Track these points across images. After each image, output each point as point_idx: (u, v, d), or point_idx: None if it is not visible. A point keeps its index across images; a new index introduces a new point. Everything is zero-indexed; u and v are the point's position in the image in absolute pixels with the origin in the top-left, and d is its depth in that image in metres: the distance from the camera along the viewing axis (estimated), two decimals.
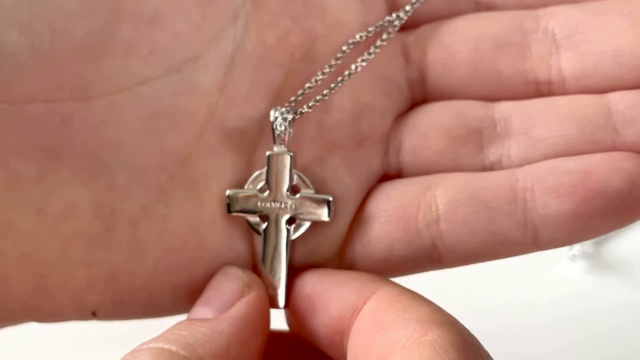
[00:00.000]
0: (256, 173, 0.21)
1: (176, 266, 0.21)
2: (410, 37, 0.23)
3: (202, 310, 0.20)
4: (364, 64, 0.22)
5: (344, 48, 0.22)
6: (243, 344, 0.20)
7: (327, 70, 0.22)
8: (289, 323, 0.22)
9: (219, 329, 0.20)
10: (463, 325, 0.19)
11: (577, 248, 0.36)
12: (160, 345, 0.19)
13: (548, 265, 0.36)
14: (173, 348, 0.19)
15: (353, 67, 0.22)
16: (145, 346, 0.19)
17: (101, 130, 0.20)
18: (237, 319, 0.20)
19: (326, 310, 0.20)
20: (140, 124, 0.21)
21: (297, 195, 0.21)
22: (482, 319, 0.32)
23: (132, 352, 0.19)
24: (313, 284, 0.21)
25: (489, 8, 0.23)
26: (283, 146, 0.21)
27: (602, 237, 0.33)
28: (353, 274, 0.21)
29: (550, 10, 0.22)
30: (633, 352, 0.33)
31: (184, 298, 0.21)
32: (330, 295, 0.20)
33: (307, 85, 0.22)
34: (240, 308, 0.20)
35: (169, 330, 0.20)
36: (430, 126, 0.22)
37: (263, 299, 0.21)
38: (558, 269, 0.36)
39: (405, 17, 0.22)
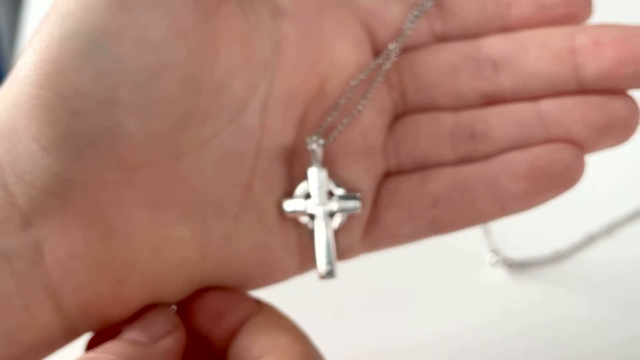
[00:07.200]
0: (301, 185, 0.28)
1: (251, 270, 0.28)
2: (390, 69, 0.30)
3: (139, 334, 0.26)
4: (366, 99, 0.29)
5: (352, 84, 0.29)
6: None
7: (342, 103, 0.29)
8: (194, 325, 0.28)
9: (154, 354, 0.25)
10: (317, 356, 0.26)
11: (497, 257, 0.39)
12: (113, 358, 0.24)
13: (470, 272, 0.39)
14: None
15: (363, 101, 0.29)
16: (94, 355, 0.24)
17: (191, 180, 0.26)
18: (167, 350, 0.26)
19: (225, 319, 0.27)
20: (215, 169, 0.27)
21: (334, 196, 0.29)
22: (408, 328, 0.37)
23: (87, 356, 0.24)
24: (217, 299, 0.27)
25: (443, 40, 0.30)
26: (318, 164, 0.28)
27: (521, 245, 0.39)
28: (243, 295, 0.28)
29: (488, 41, 0.30)
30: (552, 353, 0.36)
31: (260, 285, 0.29)
32: (229, 307, 0.27)
33: (328, 118, 0.29)
34: (170, 342, 0.26)
35: (113, 344, 0.25)
36: (418, 134, 0.29)
37: (184, 338, 0.27)
38: (480, 275, 0.39)
39: (393, 60, 0.30)
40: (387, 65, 0.30)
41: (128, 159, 0.25)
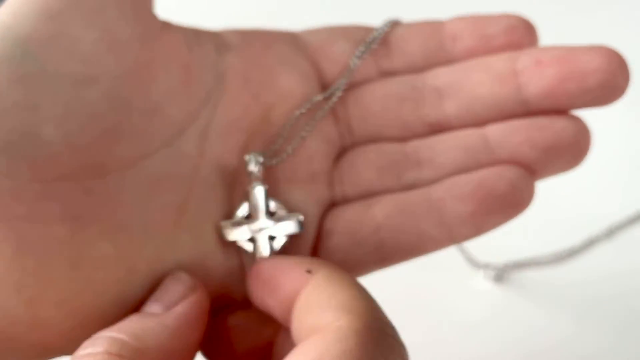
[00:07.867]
0: (242, 205, 0.28)
1: None
2: (337, 102, 0.30)
3: (152, 305, 0.25)
4: (310, 127, 0.29)
5: (297, 114, 0.29)
6: (184, 337, 0.24)
7: (285, 132, 0.29)
8: (253, 302, 0.26)
9: (165, 323, 0.24)
10: (379, 313, 0.22)
11: (490, 271, 0.40)
12: (114, 334, 0.23)
13: (467, 278, 0.39)
14: (124, 338, 0.23)
15: (308, 128, 0.29)
16: (100, 334, 0.23)
17: (117, 197, 0.25)
18: (181, 316, 0.24)
19: (277, 293, 0.25)
20: (145, 189, 0.26)
21: (274, 217, 0.28)
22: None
23: (90, 340, 0.23)
24: (268, 269, 0.26)
25: (389, 75, 0.31)
26: (258, 182, 0.28)
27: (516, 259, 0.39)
28: (298, 259, 0.26)
29: (433, 72, 0.30)
30: None
31: None
32: (280, 279, 0.25)
33: (273, 146, 0.29)
34: (184, 307, 0.25)
35: (123, 321, 0.24)
36: (362, 163, 0.29)
37: (204, 301, 0.25)
38: (478, 279, 0.40)
39: (340, 93, 0.30)
40: (334, 99, 0.30)
41: (46, 170, 0.24)
